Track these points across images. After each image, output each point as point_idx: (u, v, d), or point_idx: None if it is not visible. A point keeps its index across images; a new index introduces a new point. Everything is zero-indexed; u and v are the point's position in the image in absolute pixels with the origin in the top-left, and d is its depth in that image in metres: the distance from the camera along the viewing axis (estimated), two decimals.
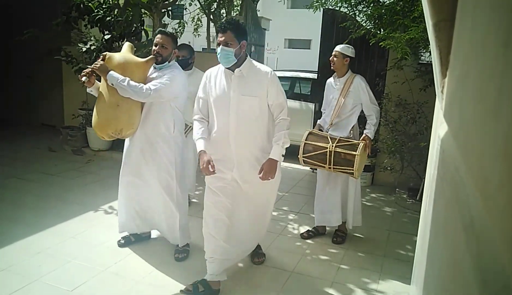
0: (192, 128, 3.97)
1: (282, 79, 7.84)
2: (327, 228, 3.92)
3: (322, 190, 3.80)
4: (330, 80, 3.81)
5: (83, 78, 3.07)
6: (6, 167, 5.46)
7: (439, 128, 1.63)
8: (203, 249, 3.24)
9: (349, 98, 3.59)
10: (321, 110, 3.93)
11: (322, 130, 3.70)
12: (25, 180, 5.02)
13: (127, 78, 3.02)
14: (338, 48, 3.65)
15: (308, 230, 3.91)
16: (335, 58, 3.63)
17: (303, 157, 3.50)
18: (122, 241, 3.47)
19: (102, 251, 3.37)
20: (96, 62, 3.06)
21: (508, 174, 0.58)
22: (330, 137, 3.49)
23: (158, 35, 3.25)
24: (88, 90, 3.23)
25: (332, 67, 3.69)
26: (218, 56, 2.75)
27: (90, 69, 3.09)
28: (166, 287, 2.92)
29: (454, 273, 0.98)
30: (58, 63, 6.62)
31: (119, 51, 3.28)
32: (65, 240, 3.53)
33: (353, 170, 3.36)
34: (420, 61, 5.09)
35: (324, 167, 3.47)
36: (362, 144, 3.40)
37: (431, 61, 4.26)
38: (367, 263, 3.42)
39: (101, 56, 3.13)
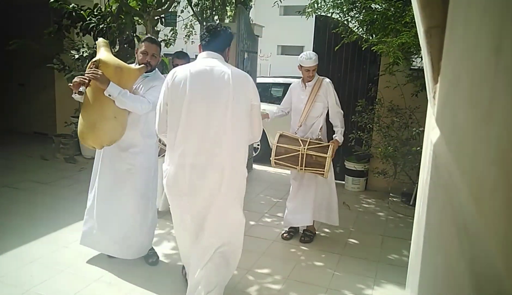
0: None
1: (275, 86, 7.87)
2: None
3: (296, 192, 3.87)
4: (296, 84, 3.88)
5: (81, 88, 2.84)
6: None
7: (431, 133, 1.64)
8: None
9: (318, 102, 3.70)
10: (281, 110, 3.97)
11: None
12: (17, 188, 4.97)
13: (127, 91, 2.91)
14: (313, 62, 3.63)
15: (289, 230, 3.97)
16: (314, 72, 3.70)
17: (275, 159, 3.60)
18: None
19: (95, 260, 3.34)
20: (94, 71, 2.83)
21: (501, 178, 0.58)
22: (301, 140, 3.61)
23: (148, 44, 3.11)
24: (76, 96, 2.97)
25: (308, 80, 3.72)
26: None
27: (87, 78, 2.83)
28: None
29: (448, 278, 0.98)
30: (51, 71, 6.58)
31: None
32: (58, 249, 3.49)
33: (323, 171, 3.51)
34: (412, 67, 5.13)
35: (296, 168, 3.59)
36: (332, 146, 3.55)
37: (422, 67, 4.29)
38: (361, 269, 3.41)
39: (94, 62, 2.91)
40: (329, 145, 3.57)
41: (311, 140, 3.61)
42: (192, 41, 13.05)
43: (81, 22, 5.67)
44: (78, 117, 6.41)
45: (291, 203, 3.90)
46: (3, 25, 7.53)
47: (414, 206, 2.61)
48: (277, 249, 3.73)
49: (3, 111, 8.30)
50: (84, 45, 5.90)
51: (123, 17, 5.57)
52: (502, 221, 0.57)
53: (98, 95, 2.89)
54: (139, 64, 3.10)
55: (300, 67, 3.70)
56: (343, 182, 5.65)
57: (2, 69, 7.98)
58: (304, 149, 3.51)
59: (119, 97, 2.85)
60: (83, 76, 2.85)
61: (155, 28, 5.89)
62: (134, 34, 5.93)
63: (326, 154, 3.50)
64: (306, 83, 3.74)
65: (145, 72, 3.12)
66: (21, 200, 4.61)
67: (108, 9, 5.69)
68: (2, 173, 5.54)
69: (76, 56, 5.70)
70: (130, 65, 3.11)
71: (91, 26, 5.58)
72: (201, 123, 2.43)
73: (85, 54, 5.69)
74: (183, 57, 4.16)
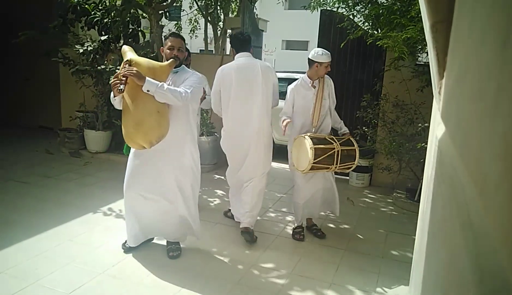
0: None
1: (279, 81, 7.87)
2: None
3: (305, 187, 3.78)
4: (299, 85, 3.73)
5: (121, 87, 2.82)
6: (4, 170, 5.44)
7: (437, 129, 1.64)
8: (199, 251, 3.25)
9: (325, 100, 3.69)
10: (282, 115, 3.75)
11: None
12: (23, 182, 5.01)
13: (164, 83, 2.95)
14: (329, 58, 3.61)
15: (299, 231, 3.85)
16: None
17: (313, 163, 3.40)
18: (126, 246, 3.41)
19: (100, 254, 3.36)
20: (129, 69, 2.85)
21: (506, 173, 0.58)
22: (328, 138, 3.57)
23: (173, 39, 3.18)
24: (115, 100, 3.04)
25: (324, 75, 3.68)
26: None
27: (124, 76, 2.85)
28: (165, 289, 2.91)
29: (452, 272, 0.98)
30: (56, 65, 6.61)
31: (117, 52, 3.24)
32: (63, 242, 3.52)
33: (354, 164, 3.58)
34: (417, 62, 5.10)
35: (329, 168, 3.54)
36: (352, 138, 3.67)
37: (428, 62, 4.27)
38: (365, 264, 3.42)
39: (127, 62, 2.93)
40: (349, 138, 3.65)
41: (335, 137, 3.61)
42: (196, 36, 13.03)
43: (86, 16, 5.67)
44: (82, 111, 6.50)
45: (300, 204, 3.80)
46: (8, 19, 7.55)
47: (419, 202, 2.61)
48: (281, 244, 3.73)
49: (8, 105, 8.35)
50: (89, 40, 5.91)
51: (125, 9, 5.56)
52: (506, 216, 0.57)
53: (137, 93, 2.90)
54: (167, 60, 3.13)
55: (317, 65, 3.59)
56: (348, 178, 5.65)
57: (8, 63, 8.02)
58: (338, 145, 3.49)
59: (158, 90, 2.89)
60: (121, 78, 2.86)
61: (159, 22, 5.88)
62: (139, 28, 5.93)
63: (353, 146, 3.58)
64: (315, 82, 3.67)
65: (174, 67, 3.16)
66: (27, 193, 4.64)
67: (113, 3, 5.69)
68: (7, 167, 5.58)
69: (81, 50, 5.72)
70: (159, 62, 3.15)
71: (95, 20, 5.58)
72: (244, 100, 3.62)
73: (89, 49, 5.70)
74: None
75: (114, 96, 3.04)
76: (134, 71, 2.84)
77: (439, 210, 1.37)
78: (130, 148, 3.26)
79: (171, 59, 3.11)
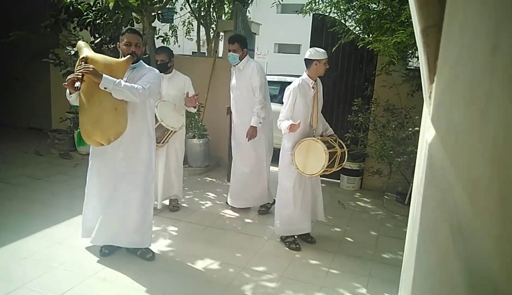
0: (173, 132, 3.98)
1: (271, 84, 7.85)
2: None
3: (299, 198, 3.66)
4: (301, 86, 3.62)
5: (77, 84, 2.81)
6: None
7: (427, 133, 1.65)
8: (189, 254, 3.22)
9: (320, 101, 3.72)
10: (284, 119, 3.59)
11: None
12: (11, 184, 4.94)
13: (121, 80, 2.94)
14: (326, 55, 3.60)
15: (293, 240, 3.77)
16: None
17: (327, 167, 3.41)
18: (106, 251, 3.34)
19: (89, 256, 3.33)
20: (85, 66, 2.84)
21: (496, 177, 0.58)
22: (330, 141, 3.60)
23: (130, 35, 3.15)
24: (71, 97, 3.01)
25: (323, 74, 3.64)
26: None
27: (80, 73, 2.83)
28: (154, 292, 2.89)
29: (442, 276, 0.98)
30: (46, 65, 6.55)
31: (109, 54, 3.22)
32: (52, 245, 3.47)
33: (343, 164, 3.67)
34: (408, 67, 5.14)
35: (328, 171, 3.53)
36: (338, 139, 3.74)
37: (419, 67, 4.30)
38: (356, 267, 3.43)
39: (83, 59, 2.93)
40: (337, 139, 3.69)
41: (330, 139, 3.65)
42: (191, 38, 13.00)
43: (78, 17, 5.63)
44: (73, 113, 6.44)
45: (291, 210, 3.67)
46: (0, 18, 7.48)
47: (409, 205, 2.62)
48: (272, 247, 3.73)
49: None
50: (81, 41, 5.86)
51: (120, 12, 5.54)
52: (496, 220, 0.57)
53: (94, 90, 2.89)
54: (124, 57, 3.11)
55: (316, 62, 3.55)
56: (339, 181, 5.66)
57: None
58: (338, 148, 3.55)
59: (115, 87, 2.87)
60: (75, 73, 2.86)
61: (152, 24, 5.86)
62: None
63: (343, 148, 3.64)
64: (314, 83, 3.64)
65: (131, 63, 3.15)
66: (16, 195, 4.59)
67: (106, 5, 5.65)
68: None
69: (72, 52, 5.66)
70: (115, 58, 3.14)
71: (87, 21, 5.55)
72: None
73: None
74: (162, 51, 4.21)
75: (70, 94, 3.00)
76: (91, 69, 2.83)
77: (429, 214, 1.37)
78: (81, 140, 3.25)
79: (128, 56, 3.10)
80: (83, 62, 2.90)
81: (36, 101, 7.75)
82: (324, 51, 3.62)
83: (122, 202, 3.21)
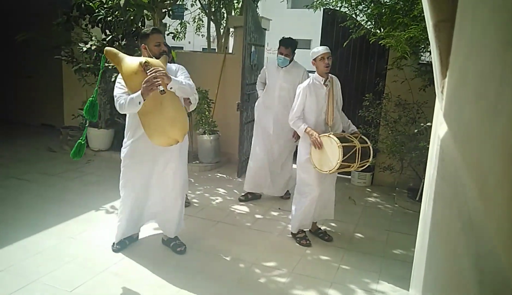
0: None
1: None
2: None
3: (316, 197, 3.64)
4: (312, 83, 3.64)
5: (161, 88, 2.77)
6: (6, 167, 5.45)
7: (439, 128, 1.63)
8: (200, 250, 3.24)
9: (335, 100, 3.67)
10: (296, 118, 3.65)
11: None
12: (25, 180, 5.02)
13: (179, 79, 3.06)
14: (327, 49, 3.59)
15: (304, 236, 3.77)
16: (329, 60, 3.59)
17: (342, 161, 3.35)
18: (118, 246, 3.38)
19: (101, 252, 3.37)
20: (159, 69, 2.85)
21: (506, 173, 0.58)
22: (348, 136, 3.55)
23: (158, 35, 3.18)
24: (142, 101, 2.86)
25: (327, 69, 3.60)
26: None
27: (157, 78, 2.81)
28: (166, 287, 2.92)
29: (453, 273, 0.98)
30: (58, 63, 6.62)
31: (120, 51, 3.19)
32: (65, 240, 3.53)
33: (369, 160, 3.56)
34: (420, 61, 5.09)
35: (350, 166, 3.48)
36: (362, 136, 3.65)
37: (431, 61, 4.26)
38: (366, 264, 3.42)
39: (146, 63, 2.89)
40: (361, 135, 3.63)
41: (349, 135, 3.59)
42: (202, 35, 13.02)
43: (90, 14, 5.68)
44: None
45: (307, 205, 3.66)
46: (12, 16, 7.57)
47: (421, 201, 2.60)
48: (282, 243, 3.74)
49: (11, 103, 8.36)
50: (93, 38, 5.91)
51: (131, 10, 5.58)
52: (507, 217, 0.57)
53: (159, 94, 2.86)
54: (152, 56, 3.11)
55: (313, 62, 3.59)
56: (349, 177, 5.64)
57: (11, 61, 8.03)
58: (358, 143, 3.47)
59: (180, 86, 3.01)
60: (153, 79, 2.81)
61: (162, 21, 5.89)
62: (143, 27, 5.93)
63: (367, 143, 3.56)
64: (327, 80, 3.62)
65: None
66: (29, 191, 4.66)
67: (117, 2, 5.69)
68: (10, 165, 5.60)
69: (84, 48, 5.72)
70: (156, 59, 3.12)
71: (99, 18, 5.59)
72: None
73: (93, 47, 5.70)
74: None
75: (144, 99, 2.85)
76: (164, 71, 2.89)
77: (441, 210, 1.36)
78: (79, 153, 3.20)
79: (164, 56, 3.15)
80: (148, 67, 2.88)
81: (49, 98, 7.84)
82: (324, 47, 3.62)
83: (165, 193, 3.32)
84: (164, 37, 5.69)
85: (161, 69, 2.89)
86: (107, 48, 3.09)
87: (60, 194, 4.61)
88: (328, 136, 3.44)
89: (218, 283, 3.01)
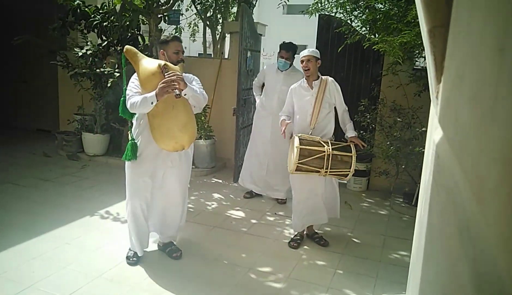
0: None
1: None
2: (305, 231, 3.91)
3: (306, 195, 3.69)
4: (296, 85, 3.77)
5: (177, 92, 2.79)
6: (1, 172, 5.42)
7: (434, 133, 1.64)
8: (196, 255, 3.23)
9: (325, 102, 3.63)
10: (283, 114, 3.83)
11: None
12: (20, 185, 4.99)
13: (193, 86, 3.08)
14: (308, 52, 3.65)
15: (296, 239, 3.80)
16: (309, 63, 3.63)
17: (298, 162, 3.35)
18: (135, 259, 3.29)
19: (97, 257, 3.35)
20: (176, 73, 2.89)
21: (504, 177, 0.58)
22: (323, 141, 3.47)
23: (179, 43, 3.20)
24: (155, 102, 2.86)
25: (306, 73, 3.67)
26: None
27: (177, 81, 2.85)
28: (162, 293, 2.90)
29: (449, 277, 0.98)
30: (54, 68, 6.60)
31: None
32: (60, 245, 3.50)
33: (349, 171, 3.39)
34: (415, 67, 5.12)
35: (319, 172, 3.41)
36: (353, 145, 3.50)
37: (425, 67, 4.28)
38: (363, 268, 3.41)
39: (165, 66, 2.93)
40: (349, 144, 3.50)
41: (331, 141, 3.51)
42: (195, 40, 13.05)
43: (86, 20, 5.68)
44: (80, 114, 6.48)
45: (300, 202, 3.72)
46: (7, 20, 7.55)
47: (416, 206, 2.60)
48: (278, 248, 3.73)
49: (6, 108, 8.34)
50: (88, 43, 5.91)
51: (127, 15, 5.58)
52: (504, 221, 0.57)
53: (172, 98, 2.88)
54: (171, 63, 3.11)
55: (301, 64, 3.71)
56: (345, 182, 5.65)
57: (6, 66, 8.01)
58: (329, 149, 3.37)
59: (194, 93, 3.03)
60: (173, 83, 2.83)
61: (158, 26, 5.89)
62: (139, 32, 5.93)
63: (351, 153, 3.40)
64: (313, 83, 3.67)
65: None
66: (24, 196, 4.63)
67: (113, 7, 5.70)
68: (5, 170, 5.56)
69: (80, 53, 5.71)
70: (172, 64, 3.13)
71: (95, 23, 5.59)
72: None
73: (88, 52, 5.70)
74: None
75: (157, 100, 2.86)
76: (181, 76, 2.92)
77: (437, 215, 1.37)
78: (131, 154, 3.15)
79: (181, 63, 3.18)
80: (167, 70, 2.91)
81: (44, 103, 7.82)
82: (305, 50, 3.69)
83: (168, 198, 3.32)
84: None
85: (179, 73, 2.93)
86: (127, 46, 3.08)
87: (55, 198, 4.59)
88: (295, 136, 3.47)
89: (215, 289, 3.00)
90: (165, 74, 2.88)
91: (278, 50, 4.65)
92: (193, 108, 3.16)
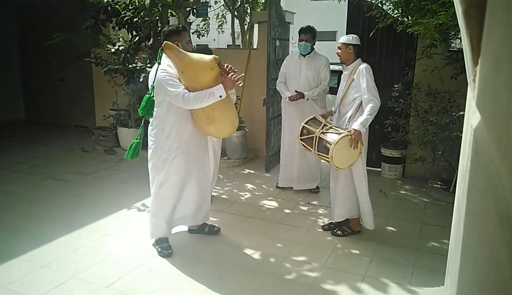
0: None
1: None
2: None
3: (334, 184, 3.75)
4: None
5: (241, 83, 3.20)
6: (43, 168, 5.66)
7: (472, 117, 1.59)
8: (230, 245, 3.27)
9: (351, 88, 3.56)
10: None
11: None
12: (61, 180, 5.19)
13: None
14: (341, 40, 3.69)
15: (329, 223, 3.90)
16: (339, 50, 3.66)
17: (300, 138, 3.61)
18: (170, 251, 3.34)
19: (135, 248, 3.45)
20: (230, 66, 3.12)
21: None
22: (324, 124, 3.50)
23: (186, 33, 3.33)
24: (223, 95, 3.01)
25: (340, 61, 3.72)
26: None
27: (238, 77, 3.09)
28: (199, 282, 2.96)
29: (489, 265, 0.95)
30: (89, 65, 6.79)
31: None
32: (100, 237, 3.63)
33: (328, 158, 3.28)
34: (451, 49, 4.94)
35: (311, 151, 3.53)
36: (345, 135, 3.28)
37: (462, 48, 4.13)
38: (399, 257, 3.36)
39: (218, 58, 3.07)
40: (343, 133, 3.31)
41: (334, 126, 3.48)
42: (223, 31, 13.09)
43: (116, 16, 5.80)
44: (115, 110, 6.65)
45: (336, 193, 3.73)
46: (43, 22, 7.81)
47: (454, 193, 2.53)
48: (312, 237, 3.72)
49: (45, 106, 8.68)
50: (120, 39, 6.03)
51: (157, 10, 5.66)
52: None
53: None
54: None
55: None
56: (379, 169, 5.56)
57: (44, 66, 8.31)
58: (319, 131, 3.41)
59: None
60: (236, 77, 3.07)
61: (187, 19, 5.94)
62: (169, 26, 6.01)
63: (336, 142, 3.24)
64: (346, 68, 3.67)
65: None
66: (65, 190, 4.82)
67: (142, 2, 5.79)
68: (46, 165, 5.80)
69: (112, 50, 5.85)
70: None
71: (125, 19, 5.70)
72: None
73: (121, 48, 5.82)
74: None
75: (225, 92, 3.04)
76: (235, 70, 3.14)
77: (476, 202, 1.33)
78: (136, 152, 3.44)
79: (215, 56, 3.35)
80: (220, 62, 3.08)
81: (81, 100, 8.07)
82: (344, 37, 3.70)
83: (199, 183, 3.45)
84: (189, 35, 5.76)
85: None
86: (167, 42, 2.97)
87: (94, 192, 4.75)
88: (317, 116, 3.65)
89: (249, 278, 3.03)
90: (223, 67, 3.06)
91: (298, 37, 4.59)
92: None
